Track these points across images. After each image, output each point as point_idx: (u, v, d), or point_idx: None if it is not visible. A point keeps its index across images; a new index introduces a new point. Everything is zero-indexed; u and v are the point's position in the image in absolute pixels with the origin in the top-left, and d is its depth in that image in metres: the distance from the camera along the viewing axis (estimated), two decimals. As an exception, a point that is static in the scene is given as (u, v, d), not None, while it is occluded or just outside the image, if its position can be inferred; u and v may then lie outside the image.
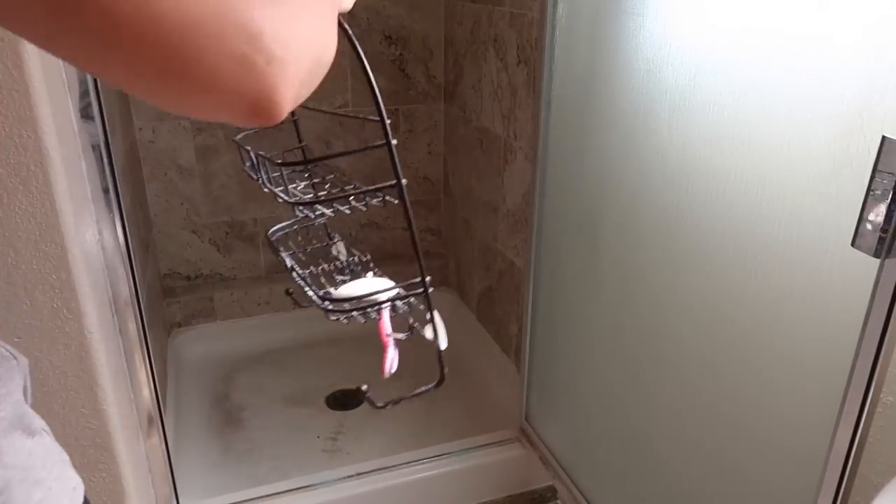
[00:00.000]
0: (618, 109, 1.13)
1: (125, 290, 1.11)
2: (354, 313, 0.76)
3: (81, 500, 0.48)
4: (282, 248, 0.84)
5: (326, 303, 0.74)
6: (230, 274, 2.26)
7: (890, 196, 0.64)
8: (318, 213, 0.75)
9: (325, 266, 0.86)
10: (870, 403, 0.74)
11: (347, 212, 0.76)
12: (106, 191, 1.03)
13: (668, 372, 1.11)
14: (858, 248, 0.68)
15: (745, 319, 0.93)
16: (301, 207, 0.73)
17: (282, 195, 0.72)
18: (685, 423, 1.09)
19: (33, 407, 0.49)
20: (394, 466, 1.55)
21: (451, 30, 2.13)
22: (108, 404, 1.04)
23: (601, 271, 1.26)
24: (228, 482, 1.62)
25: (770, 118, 0.84)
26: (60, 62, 0.93)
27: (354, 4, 0.54)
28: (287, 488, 1.48)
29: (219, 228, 2.19)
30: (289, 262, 0.81)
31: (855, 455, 0.77)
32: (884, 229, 0.66)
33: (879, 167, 0.65)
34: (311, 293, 0.76)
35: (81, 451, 1.05)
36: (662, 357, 1.12)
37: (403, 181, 0.65)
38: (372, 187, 0.71)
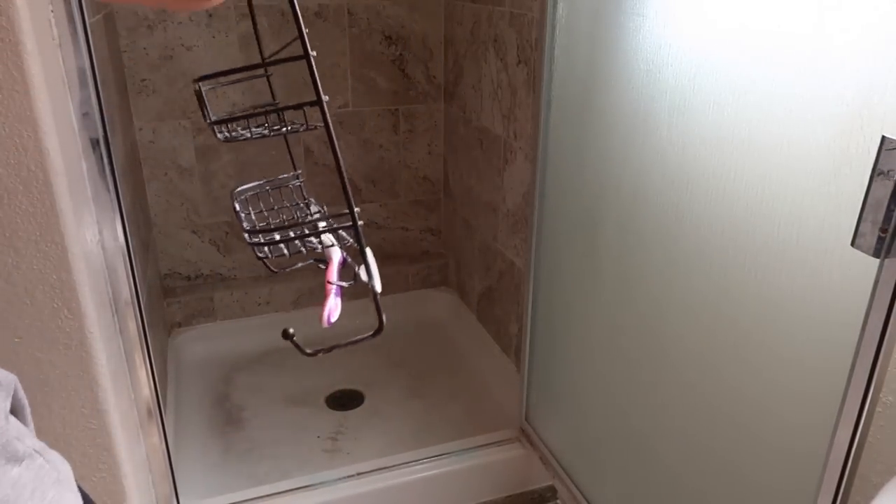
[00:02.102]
0: (618, 109, 1.13)
1: (125, 290, 1.11)
2: (281, 246, 0.72)
3: None
4: (241, 206, 0.81)
5: (251, 237, 0.71)
6: (230, 274, 2.26)
7: (890, 196, 0.64)
8: (238, 134, 0.72)
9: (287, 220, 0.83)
10: (869, 403, 0.74)
11: (269, 134, 0.72)
12: (106, 191, 1.03)
13: (668, 372, 1.11)
14: (858, 247, 0.68)
15: (745, 319, 0.93)
16: (219, 128, 0.70)
17: (206, 116, 0.70)
18: (685, 423, 1.09)
19: (33, 413, 0.47)
20: (394, 466, 1.55)
21: (451, 30, 2.13)
22: (108, 404, 1.04)
23: (601, 271, 1.26)
24: (228, 482, 1.62)
25: (770, 118, 0.84)
26: (61, 62, 0.93)
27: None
28: (287, 488, 1.48)
29: (219, 228, 2.19)
30: (238, 206, 0.77)
31: (855, 455, 0.77)
32: (883, 229, 0.66)
33: (879, 167, 0.65)
34: (244, 224, 0.73)
35: (81, 451, 1.05)
36: (662, 357, 1.12)
37: (325, 98, 0.62)
38: (292, 105, 0.68)
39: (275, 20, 1.96)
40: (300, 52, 0.61)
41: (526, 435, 1.64)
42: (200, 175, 2.10)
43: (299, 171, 0.82)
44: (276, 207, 0.84)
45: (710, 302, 0.99)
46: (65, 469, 0.47)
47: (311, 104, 0.63)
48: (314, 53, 0.60)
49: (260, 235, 0.71)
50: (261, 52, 0.79)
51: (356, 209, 0.69)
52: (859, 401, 0.75)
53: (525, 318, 1.57)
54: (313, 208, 0.84)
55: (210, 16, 1.93)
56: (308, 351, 0.71)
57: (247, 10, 1.94)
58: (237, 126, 0.73)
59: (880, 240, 0.66)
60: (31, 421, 0.49)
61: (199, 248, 2.19)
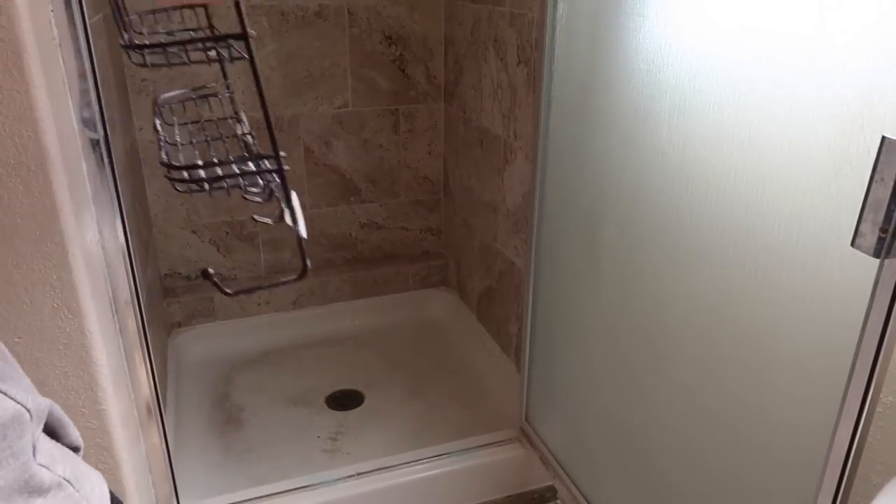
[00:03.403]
0: (618, 109, 1.13)
1: (125, 290, 1.11)
2: (195, 185, 0.69)
3: None
4: (162, 115, 0.76)
5: (168, 170, 0.68)
6: (230, 274, 2.26)
7: (890, 196, 0.64)
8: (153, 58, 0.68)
9: (213, 139, 0.78)
10: (869, 403, 0.74)
11: (186, 62, 0.69)
12: (106, 191, 1.03)
13: (668, 371, 1.11)
14: (858, 248, 0.68)
15: (745, 319, 0.93)
16: (134, 52, 0.67)
17: (123, 39, 0.67)
18: (685, 422, 1.09)
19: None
20: (394, 466, 1.55)
21: (451, 30, 2.13)
22: (108, 404, 1.04)
23: (601, 271, 1.26)
24: (228, 482, 1.62)
25: (770, 118, 0.84)
26: (61, 62, 0.93)
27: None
28: (287, 488, 1.48)
29: (219, 228, 2.19)
30: (158, 123, 0.74)
31: (855, 455, 0.77)
32: (883, 229, 0.66)
33: (879, 167, 0.65)
34: (162, 155, 0.71)
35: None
36: (662, 357, 1.12)
37: (251, 32, 0.58)
38: (214, 35, 0.65)
39: (275, 20, 1.96)
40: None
41: (526, 435, 1.64)
42: (200, 175, 2.10)
43: (228, 82, 0.79)
44: (202, 121, 0.79)
45: (710, 302, 0.99)
46: (98, 493, 0.46)
47: (236, 37, 0.59)
48: None
49: (183, 172, 0.67)
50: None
51: (282, 153, 0.65)
52: (859, 401, 0.75)
53: (525, 318, 1.57)
54: (243, 127, 0.79)
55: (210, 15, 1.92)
56: (228, 290, 0.70)
57: (246, 10, 1.95)
58: (153, 52, 0.69)
59: (880, 240, 0.66)
60: (74, 434, 0.49)
61: (199, 247, 2.19)
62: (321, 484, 1.50)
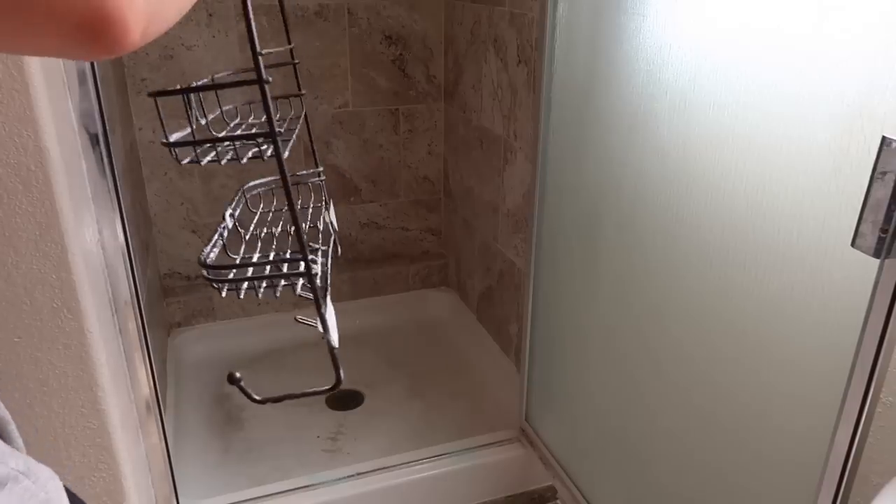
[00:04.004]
0: (618, 109, 1.13)
1: (125, 289, 1.11)
2: (226, 286, 0.70)
3: None
4: (248, 204, 0.77)
5: (205, 270, 0.69)
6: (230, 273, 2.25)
7: (890, 196, 0.64)
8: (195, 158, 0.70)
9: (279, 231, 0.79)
10: (869, 404, 0.74)
11: (220, 161, 0.70)
12: (106, 190, 1.03)
13: (668, 371, 1.11)
14: (858, 248, 0.68)
15: (745, 319, 0.93)
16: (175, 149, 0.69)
17: (164, 135, 0.68)
18: (685, 422, 1.09)
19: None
20: (394, 466, 1.55)
21: (451, 30, 2.13)
22: (108, 404, 1.04)
23: (601, 271, 1.26)
24: (228, 482, 1.62)
25: (770, 118, 0.84)
26: (61, 62, 0.93)
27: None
28: (287, 488, 1.48)
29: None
30: (228, 213, 0.76)
31: (855, 455, 0.77)
32: (884, 229, 0.66)
33: (879, 167, 0.65)
34: (205, 250, 0.71)
35: (81, 451, 1.05)
36: (662, 357, 1.12)
37: (279, 130, 0.59)
38: (244, 135, 0.66)
39: (275, 20, 1.96)
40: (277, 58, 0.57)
41: (526, 435, 1.64)
42: (200, 175, 2.10)
43: (321, 169, 0.80)
44: (282, 209, 0.81)
45: (710, 302, 0.99)
46: (53, 485, 0.45)
47: (264, 136, 0.60)
48: (269, 80, 0.56)
49: (209, 271, 0.69)
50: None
51: (312, 257, 0.64)
52: (859, 401, 0.75)
53: (525, 318, 1.57)
54: (329, 214, 0.81)
55: (210, 15, 1.93)
56: (257, 398, 0.70)
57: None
58: (195, 150, 0.71)
59: (880, 240, 0.66)
60: (18, 441, 0.48)
61: (199, 247, 2.19)
62: (321, 484, 1.50)
